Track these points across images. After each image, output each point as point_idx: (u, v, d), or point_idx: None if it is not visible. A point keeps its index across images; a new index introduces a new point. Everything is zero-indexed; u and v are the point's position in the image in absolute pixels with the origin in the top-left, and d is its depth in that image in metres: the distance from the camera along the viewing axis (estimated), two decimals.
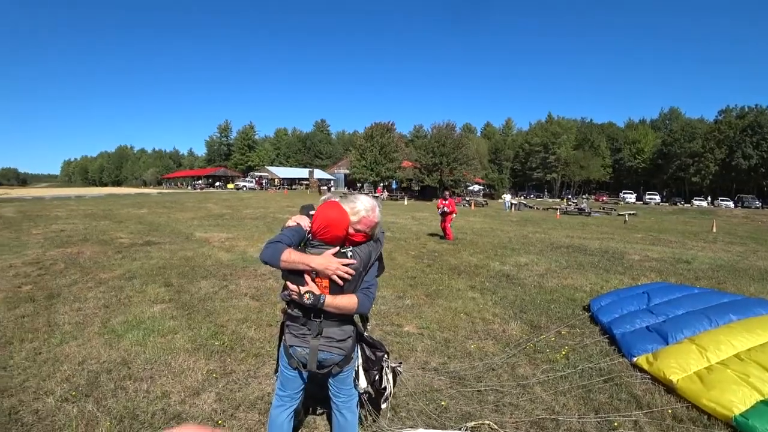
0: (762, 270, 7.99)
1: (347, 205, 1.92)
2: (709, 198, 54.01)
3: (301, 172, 69.88)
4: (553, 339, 4.16)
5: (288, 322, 2.02)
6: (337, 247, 1.90)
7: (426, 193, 45.51)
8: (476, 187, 57.43)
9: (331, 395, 2.15)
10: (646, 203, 52.68)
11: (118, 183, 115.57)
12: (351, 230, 1.90)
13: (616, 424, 2.71)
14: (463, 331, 4.36)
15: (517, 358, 3.72)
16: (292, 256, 1.80)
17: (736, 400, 2.73)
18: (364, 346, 2.35)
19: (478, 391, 3.13)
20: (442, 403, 2.94)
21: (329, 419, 2.45)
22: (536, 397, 3.05)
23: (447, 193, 12.02)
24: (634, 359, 3.56)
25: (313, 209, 2.01)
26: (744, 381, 2.90)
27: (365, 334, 2.31)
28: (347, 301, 1.88)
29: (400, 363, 2.89)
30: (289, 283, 1.90)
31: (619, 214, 28.28)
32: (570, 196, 57.84)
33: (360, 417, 2.45)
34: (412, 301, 5.34)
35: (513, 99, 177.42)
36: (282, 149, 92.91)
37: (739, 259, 9.32)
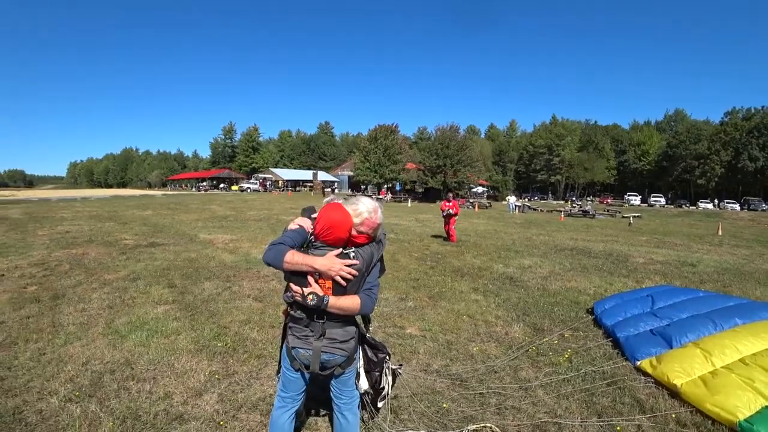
0: None
1: (350, 207, 1.93)
2: (716, 200, 53.59)
3: (305, 174, 70.00)
4: (556, 342, 4.14)
5: (291, 324, 2.02)
6: (340, 249, 1.90)
7: (430, 195, 45.46)
8: (480, 189, 57.29)
9: (333, 397, 2.15)
10: (651, 205, 52.38)
11: (123, 185, 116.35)
12: (354, 232, 1.91)
13: (618, 428, 2.69)
14: (465, 334, 4.35)
15: (520, 361, 3.70)
16: (295, 258, 1.81)
17: (741, 405, 2.70)
18: (366, 348, 2.36)
19: (480, 393, 3.12)
20: (444, 405, 2.93)
21: (330, 421, 2.45)
22: (538, 401, 3.03)
23: (450, 195, 12.00)
24: (638, 363, 3.54)
25: (315, 211, 2.03)
26: (749, 386, 2.87)
27: (367, 335, 2.31)
28: (350, 302, 1.89)
29: (401, 365, 2.89)
30: (292, 285, 1.90)
31: (623, 217, 28.13)
32: (574, 198, 57.58)
33: (362, 418, 2.45)
34: (415, 303, 5.34)
35: (517, 101, 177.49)
36: (286, 151, 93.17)
37: (744, 263, 9.24)
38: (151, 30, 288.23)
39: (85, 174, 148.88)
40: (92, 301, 5.02)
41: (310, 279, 1.87)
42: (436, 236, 12.35)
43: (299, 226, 1.96)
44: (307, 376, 2.06)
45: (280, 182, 64.89)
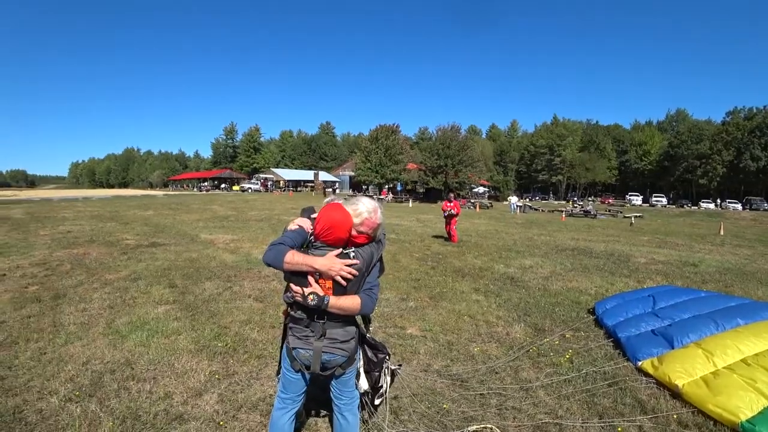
0: None
1: (349, 207, 1.93)
2: (718, 200, 53.46)
3: (307, 174, 70.02)
4: (557, 342, 4.13)
5: (291, 325, 2.02)
6: (340, 249, 1.90)
7: (431, 196, 45.44)
8: (481, 189, 57.25)
9: (333, 397, 2.15)
10: (653, 205, 52.28)
11: (124, 185, 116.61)
12: (354, 232, 1.92)
13: (620, 429, 2.68)
14: (466, 334, 4.34)
15: (521, 362, 3.69)
16: (295, 258, 1.81)
17: (743, 406, 2.69)
18: (366, 348, 2.35)
19: (480, 394, 3.11)
20: (444, 406, 2.93)
21: (331, 422, 2.45)
22: (539, 401, 3.02)
23: (452, 195, 11.99)
24: (639, 363, 3.52)
25: (315, 212, 2.03)
26: (751, 386, 2.86)
27: (367, 335, 2.31)
28: (351, 302, 1.89)
29: (400, 365, 2.88)
30: (292, 285, 1.90)
31: (625, 217, 28.08)
32: (575, 199, 57.46)
33: (362, 419, 2.44)
34: (416, 304, 5.33)
35: (518, 101, 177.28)
36: (287, 151, 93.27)
37: (747, 263, 9.21)
38: (151, 30, 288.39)
39: (87, 174, 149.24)
40: (93, 300, 5.03)
41: (311, 279, 1.87)
42: (437, 236, 12.34)
43: (299, 226, 1.96)
44: (307, 376, 2.05)
45: (281, 182, 64.94)
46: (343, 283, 1.86)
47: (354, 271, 1.87)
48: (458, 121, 69.55)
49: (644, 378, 3.35)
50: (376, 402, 2.55)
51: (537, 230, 16.08)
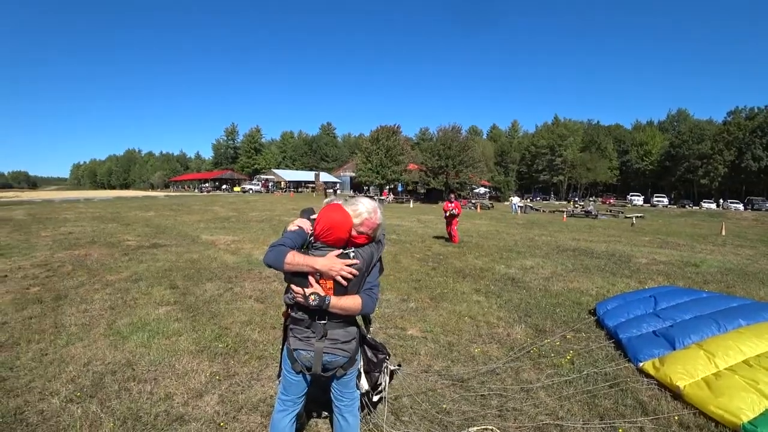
0: None
1: (349, 208, 1.93)
2: (719, 200, 53.35)
3: (308, 175, 70.12)
4: (558, 343, 4.12)
5: (292, 326, 2.02)
6: (340, 249, 1.91)
7: (432, 196, 45.44)
8: (482, 190, 57.23)
9: (334, 399, 2.15)
10: (654, 206, 52.24)
11: (126, 186, 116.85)
12: (353, 232, 1.92)
13: (621, 430, 2.67)
14: (467, 335, 4.34)
15: (522, 363, 3.69)
16: (296, 259, 1.81)
17: (745, 407, 2.68)
18: (366, 349, 2.35)
19: (481, 395, 3.11)
20: (445, 407, 2.92)
21: (331, 423, 2.45)
22: (540, 402, 3.02)
23: (452, 195, 11.98)
24: (641, 364, 3.52)
25: (314, 213, 2.04)
26: (753, 387, 2.85)
27: (368, 336, 2.31)
28: (351, 302, 1.90)
29: (400, 365, 2.88)
30: (293, 286, 1.90)
31: (626, 217, 28.03)
32: (577, 199, 57.42)
33: (362, 419, 2.44)
34: (417, 304, 5.33)
35: (519, 101, 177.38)
36: (288, 152, 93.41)
37: (748, 263, 9.18)
38: (151, 30, 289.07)
39: (89, 175, 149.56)
40: (94, 302, 5.04)
41: (311, 279, 1.87)
42: (438, 237, 12.34)
43: (298, 227, 1.97)
44: (308, 378, 2.05)
45: (282, 183, 65.03)
46: (344, 283, 1.87)
47: (354, 271, 1.87)
48: (459, 122, 69.95)
49: (645, 379, 3.34)
50: (375, 399, 2.55)
51: (538, 231, 16.06)
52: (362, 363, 2.33)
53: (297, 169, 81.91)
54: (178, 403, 2.85)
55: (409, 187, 51.07)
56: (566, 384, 3.28)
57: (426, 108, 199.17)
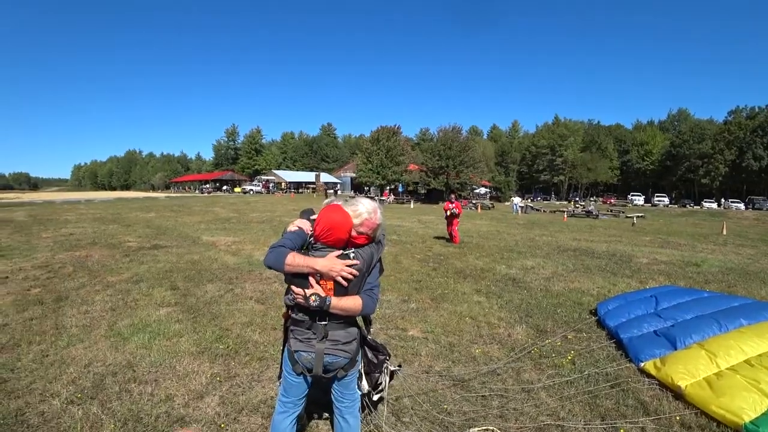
0: None
1: (349, 208, 1.93)
2: (720, 200, 53.28)
3: (308, 176, 70.14)
4: (559, 343, 4.11)
5: (292, 327, 2.01)
6: (340, 250, 1.90)
7: (432, 197, 45.46)
8: (483, 190, 57.21)
9: (334, 400, 2.14)
10: (655, 205, 52.17)
11: (126, 187, 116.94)
12: (353, 233, 1.92)
13: (622, 430, 2.67)
14: (468, 336, 4.34)
15: (523, 363, 3.68)
16: (296, 260, 1.81)
17: (746, 407, 2.67)
18: (366, 349, 2.35)
19: (482, 396, 3.11)
20: (446, 407, 2.92)
21: (332, 424, 2.44)
22: (541, 403, 3.01)
23: (453, 195, 11.98)
24: (642, 364, 3.51)
25: (314, 213, 2.03)
26: (754, 387, 2.84)
27: (368, 337, 2.31)
28: (352, 303, 1.89)
29: (400, 366, 2.88)
30: (294, 287, 1.90)
31: (627, 217, 28.00)
32: (577, 199, 57.39)
33: (362, 420, 2.44)
34: (417, 305, 5.32)
35: (519, 101, 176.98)
36: (289, 153, 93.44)
37: (749, 262, 9.17)
38: (151, 30, 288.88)
39: (89, 176, 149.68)
40: (95, 303, 5.04)
41: (312, 280, 1.87)
42: (438, 237, 12.33)
43: (298, 228, 1.97)
44: (309, 380, 2.04)
45: (282, 184, 65.04)
46: (345, 283, 1.87)
47: (355, 272, 1.87)
48: (459, 122, 70.01)
49: (647, 379, 3.34)
50: (374, 398, 2.55)
51: (539, 231, 16.05)
52: (362, 364, 2.33)
53: (297, 170, 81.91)
54: (178, 404, 2.85)
55: (410, 188, 51.08)
56: (567, 384, 3.27)
57: (426, 108, 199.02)
